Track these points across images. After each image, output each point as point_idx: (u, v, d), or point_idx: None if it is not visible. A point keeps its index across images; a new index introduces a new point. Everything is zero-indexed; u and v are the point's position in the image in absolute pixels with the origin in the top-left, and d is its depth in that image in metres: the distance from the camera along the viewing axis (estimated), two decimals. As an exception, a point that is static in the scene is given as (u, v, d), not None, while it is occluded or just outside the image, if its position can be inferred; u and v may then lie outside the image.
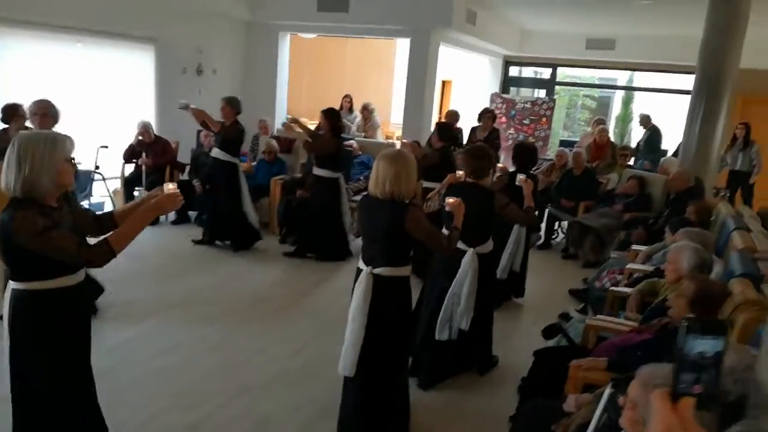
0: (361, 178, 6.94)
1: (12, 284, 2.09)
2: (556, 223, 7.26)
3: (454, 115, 7.84)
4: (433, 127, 7.82)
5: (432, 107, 8.24)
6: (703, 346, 0.66)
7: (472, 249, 3.31)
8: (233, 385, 3.34)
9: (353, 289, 2.70)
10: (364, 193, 2.96)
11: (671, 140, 9.55)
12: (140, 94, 7.52)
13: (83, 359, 2.29)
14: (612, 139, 9.36)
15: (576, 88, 15.05)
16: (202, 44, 8.08)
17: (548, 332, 3.06)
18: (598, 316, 3.20)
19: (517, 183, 3.75)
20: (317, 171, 5.74)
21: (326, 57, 11.34)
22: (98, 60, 6.93)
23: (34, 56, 6.29)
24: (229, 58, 8.67)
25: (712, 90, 6.13)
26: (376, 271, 2.63)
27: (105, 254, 2.04)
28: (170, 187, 2.24)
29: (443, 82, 13.60)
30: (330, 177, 5.70)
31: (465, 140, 8.07)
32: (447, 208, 2.87)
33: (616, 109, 15.27)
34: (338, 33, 9.11)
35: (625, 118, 14.69)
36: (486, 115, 7.80)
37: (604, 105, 15.70)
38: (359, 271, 2.71)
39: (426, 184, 5.23)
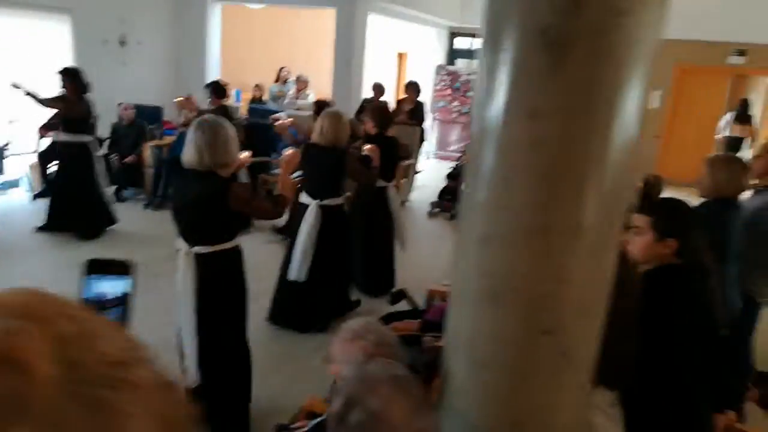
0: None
1: (198, 249, 2.55)
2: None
3: (378, 87, 7.86)
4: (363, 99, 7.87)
5: (361, 79, 8.20)
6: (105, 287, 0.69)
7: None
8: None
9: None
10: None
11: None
12: (56, 66, 7.33)
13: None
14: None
15: None
16: (124, 14, 7.89)
17: (395, 297, 3.14)
18: (444, 281, 3.28)
19: (364, 153, 4.04)
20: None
21: (265, 28, 11.16)
22: (8, 31, 6.74)
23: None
24: (155, 28, 8.48)
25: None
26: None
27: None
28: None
29: (399, 54, 13.52)
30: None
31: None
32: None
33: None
34: (266, 3, 8.97)
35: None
36: (410, 88, 7.82)
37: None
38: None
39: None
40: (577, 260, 1.27)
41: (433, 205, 7.58)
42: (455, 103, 11.63)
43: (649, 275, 1.91)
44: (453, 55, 12.39)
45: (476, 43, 13.17)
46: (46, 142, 6.83)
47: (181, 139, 7.02)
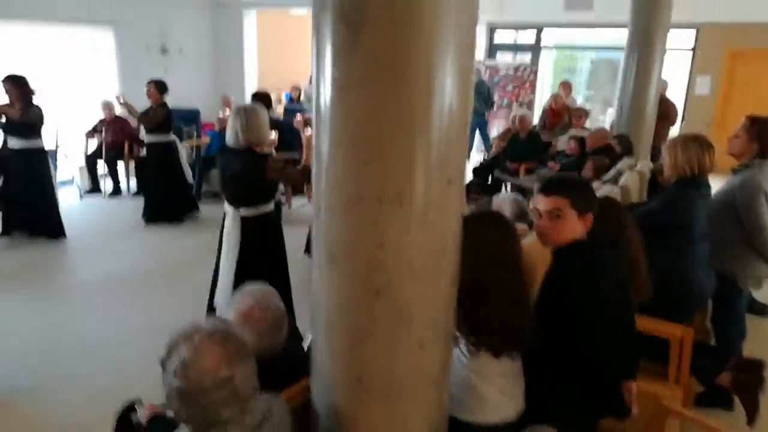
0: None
1: (243, 211, 3.22)
2: (503, 186, 7.33)
3: None
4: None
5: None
6: None
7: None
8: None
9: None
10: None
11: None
12: (103, 74, 7.93)
13: None
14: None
15: (565, 50, 14.60)
16: (165, 24, 8.41)
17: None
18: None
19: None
20: None
21: (300, 31, 11.47)
22: (58, 45, 7.37)
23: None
24: (195, 37, 8.98)
25: (643, 47, 6.02)
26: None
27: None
28: None
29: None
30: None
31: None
32: None
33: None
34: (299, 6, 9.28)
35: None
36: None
37: (608, 66, 15.22)
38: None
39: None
40: (401, 227, 1.35)
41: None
42: (495, 97, 11.52)
43: (561, 251, 1.94)
44: (494, 49, 12.29)
45: (519, 37, 13.01)
46: (93, 145, 7.43)
47: (215, 138, 7.42)
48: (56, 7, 7.04)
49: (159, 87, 6.08)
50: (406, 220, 1.35)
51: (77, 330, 3.89)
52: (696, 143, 2.71)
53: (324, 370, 1.55)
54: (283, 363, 1.82)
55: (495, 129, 11.85)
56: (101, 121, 7.34)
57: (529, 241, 2.36)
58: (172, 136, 6.32)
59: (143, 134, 6.61)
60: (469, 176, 7.89)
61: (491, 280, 1.73)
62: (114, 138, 7.24)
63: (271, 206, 3.39)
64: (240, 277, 3.17)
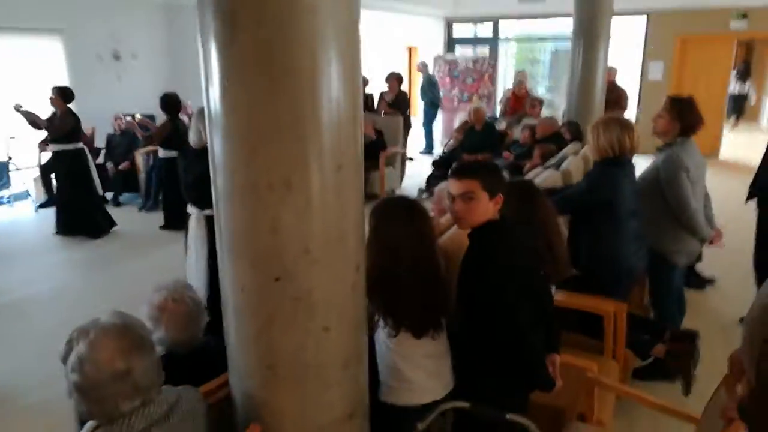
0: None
1: (208, 211, 3.17)
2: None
3: (397, 77, 7.97)
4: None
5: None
6: None
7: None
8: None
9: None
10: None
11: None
12: (52, 83, 7.78)
13: None
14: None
15: (524, 42, 14.81)
16: (116, 30, 8.29)
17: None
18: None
19: None
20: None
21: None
22: (3, 53, 7.22)
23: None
24: (148, 41, 8.86)
25: (588, 35, 6.15)
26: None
27: None
28: None
29: (409, 49, 13.63)
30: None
31: (376, 103, 8.22)
32: None
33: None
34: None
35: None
36: (392, 78, 7.93)
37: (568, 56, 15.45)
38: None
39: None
40: (292, 213, 1.39)
41: (420, 191, 7.67)
42: (455, 91, 11.65)
43: (476, 232, 2.00)
44: (452, 43, 12.41)
45: (479, 30, 13.15)
46: (46, 155, 7.30)
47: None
48: (1, 16, 6.90)
49: (63, 94, 5.85)
50: (296, 205, 1.38)
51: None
52: (617, 124, 2.80)
53: (236, 357, 1.58)
54: (203, 356, 1.85)
55: (457, 122, 12.00)
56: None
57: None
58: (81, 144, 6.13)
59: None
60: (429, 170, 7.97)
61: (402, 263, 1.78)
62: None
63: None
64: (214, 277, 3.12)
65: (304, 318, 1.47)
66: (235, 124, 1.36)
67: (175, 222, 6.03)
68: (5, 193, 7.06)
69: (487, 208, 1.95)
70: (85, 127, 7.41)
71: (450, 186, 1.98)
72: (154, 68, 8.83)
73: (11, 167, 7.00)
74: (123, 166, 7.24)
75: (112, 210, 6.86)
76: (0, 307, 4.43)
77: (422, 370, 1.94)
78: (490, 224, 1.98)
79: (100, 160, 7.52)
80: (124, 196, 7.44)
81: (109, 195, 7.33)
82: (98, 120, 7.68)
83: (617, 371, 2.85)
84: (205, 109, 1.43)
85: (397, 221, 1.81)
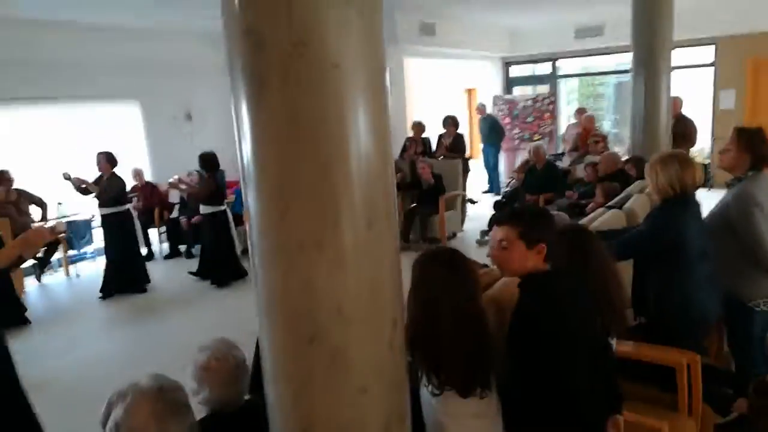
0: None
1: None
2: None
3: (453, 120, 8.09)
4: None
5: (403, 118, 8.48)
6: None
7: None
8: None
9: None
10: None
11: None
12: (133, 144, 8.39)
13: None
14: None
15: (577, 78, 14.52)
16: (188, 94, 8.84)
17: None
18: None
19: None
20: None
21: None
22: (89, 120, 7.87)
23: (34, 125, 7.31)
24: (216, 103, 9.36)
25: (649, 67, 5.98)
26: None
27: None
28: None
29: (468, 91, 13.76)
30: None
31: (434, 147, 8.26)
32: None
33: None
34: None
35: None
36: (448, 122, 7.98)
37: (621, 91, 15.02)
38: None
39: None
40: (323, 273, 1.38)
41: (483, 233, 7.54)
42: (515, 131, 11.54)
43: (521, 283, 1.92)
44: (510, 83, 12.38)
45: (537, 69, 13.07)
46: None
47: (238, 195, 7.69)
48: (86, 86, 7.54)
49: (108, 158, 6.17)
50: (327, 265, 1.38)
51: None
52: (674, 161, 2.65)
53: (274, 419, 1.56)
54: (249, 415, 1.84)
55: (518, 161, 11.83)
56: (133, 188, 7.72)
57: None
58: (126, 206, 6.53)
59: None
60: (491, 210, 7.86)
61: (442, 316, 1.73)
62: (145, 203, 7.59)
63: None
64: None
65: (339, 379, 1.44)
66: (265, 183, 1.38)
67: (208, 273, 6.51)
68: (89, 248, 7.53)
69: (524, 257, 1.87)
70: (162, 183, 7.90)
71: (492, 231, 1.93)
72: (222, 128, 9.31)
73: (93, 224, 7.47)
74: (195, 219, 7.56)
75: (185, 261, 7.22)
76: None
77: (466, 428, 1.85)
78: (531, 276, 1.89)
79: (174, 214, 7.92)
80: (196, 249, 7.76)
81: (182, 248, 7.71)
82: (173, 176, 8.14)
83: (694, 429, 2.62)
84: (239, 169, 1.47)
85: (436, 272, 1.77)
